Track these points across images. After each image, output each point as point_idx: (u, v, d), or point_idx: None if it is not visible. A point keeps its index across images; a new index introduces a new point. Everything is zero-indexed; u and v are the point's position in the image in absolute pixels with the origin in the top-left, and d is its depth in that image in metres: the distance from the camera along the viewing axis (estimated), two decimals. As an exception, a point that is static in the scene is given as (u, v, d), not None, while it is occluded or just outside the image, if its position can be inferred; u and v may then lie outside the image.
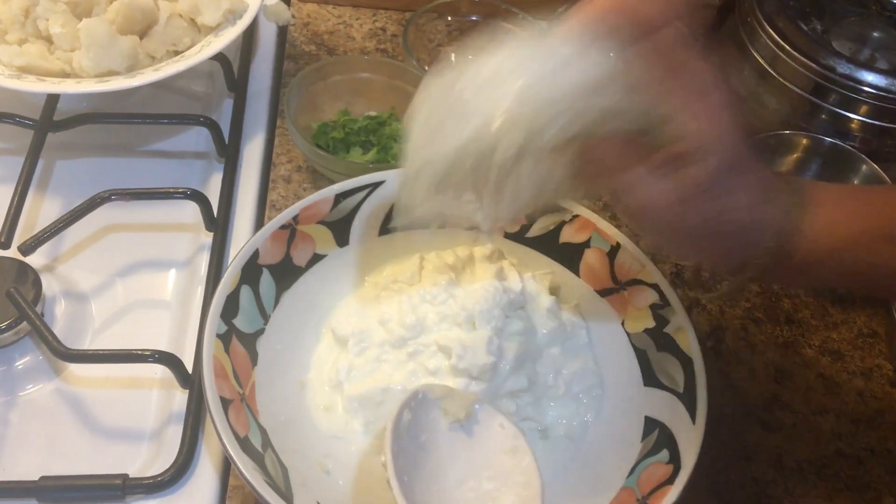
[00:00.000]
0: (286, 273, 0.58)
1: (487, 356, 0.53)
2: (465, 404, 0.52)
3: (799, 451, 0.59)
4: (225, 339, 0.52)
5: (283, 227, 0.58)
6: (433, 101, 0.43)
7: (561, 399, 0.56)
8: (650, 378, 0.55)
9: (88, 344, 0.59)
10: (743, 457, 0.58)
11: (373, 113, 0.72)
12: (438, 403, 0.51)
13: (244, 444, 0.48)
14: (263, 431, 0.51)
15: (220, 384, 0.49)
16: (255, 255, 0.56)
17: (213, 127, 0.69)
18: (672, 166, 0.40)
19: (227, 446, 0.46)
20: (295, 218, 0.58)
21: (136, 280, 0.63)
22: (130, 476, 0.51)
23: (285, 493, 0.47)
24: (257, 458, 0.48)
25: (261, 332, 0.55)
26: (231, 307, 0.53)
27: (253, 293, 0.55)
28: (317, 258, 0.60)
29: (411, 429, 0.50)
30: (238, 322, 0.54)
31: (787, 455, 0.59)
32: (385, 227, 0.62)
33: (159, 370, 0.56)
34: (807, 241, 0.42)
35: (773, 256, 0.42)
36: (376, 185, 0.61)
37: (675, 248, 0.46)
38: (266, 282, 0.56)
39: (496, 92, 0.40)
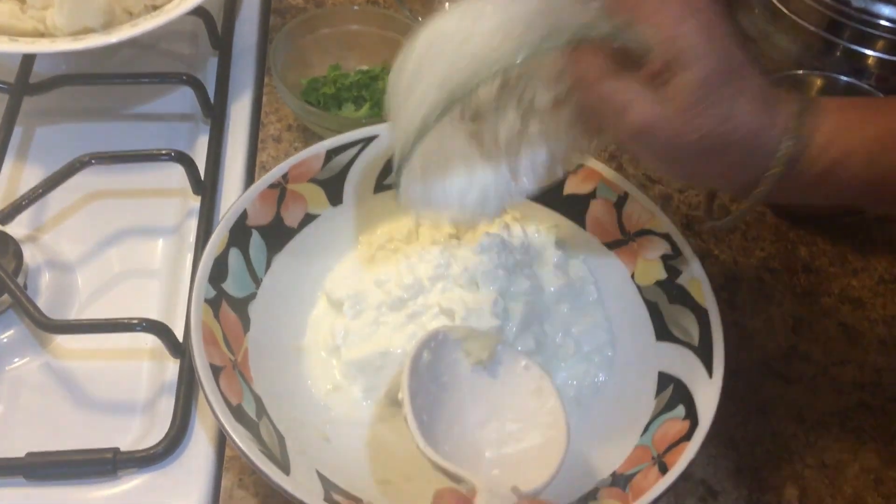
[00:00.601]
0: (277, 234, 0.55)
1: (492, 318, 0.50)
2: (488, 345, 0.50)
3: (820, 404, 0.56)
4: (214, 304, 0.50)
5: (272, 186, 0.55)
6: (402, 65, 0.42)
7: (571, 359, 0.54)
8: (663, 332, 0.53)
9: (75, 316, 0.56)
10: (762, 411, 0.56)
11: (365, 67, 0.69)
12: (460, 344, 0.49)
13: (237, 412, 0.45)
14: (258, 399, 0.48)
15: (210, 351, 0.47)
16: (244, 216, 0.53)
17: (197, 85, 0.66)
18: (661, 79, 0.37)
19: (219, 414, 0.44)
20: (284, 176, 0.55)
21: (122, 248, 0.60)
22: (122, 450, 0.49)
23: (281, 462, 0.45)
24: (251, 426, 0.46)
25: (252, 296, 0.53)
26: (219, 271, 0.51)
27: (242, 256, 0.53)
28: (309, 218, 0.57)
29: (432, 369, 0.48)
30: (228, 286, 0.51)
31: (808, 408, 0.56)
32: (381, 184, 0.59)
33: (150, 340, 0.54)
34: (821, 146, 0.39)
35: (786, 165, 0.39)
36: (369, 139, 0.58)
37: (681, 172, 0.43)
38: (256, 244, 0.54)
39: (463, 29, 0.39)
